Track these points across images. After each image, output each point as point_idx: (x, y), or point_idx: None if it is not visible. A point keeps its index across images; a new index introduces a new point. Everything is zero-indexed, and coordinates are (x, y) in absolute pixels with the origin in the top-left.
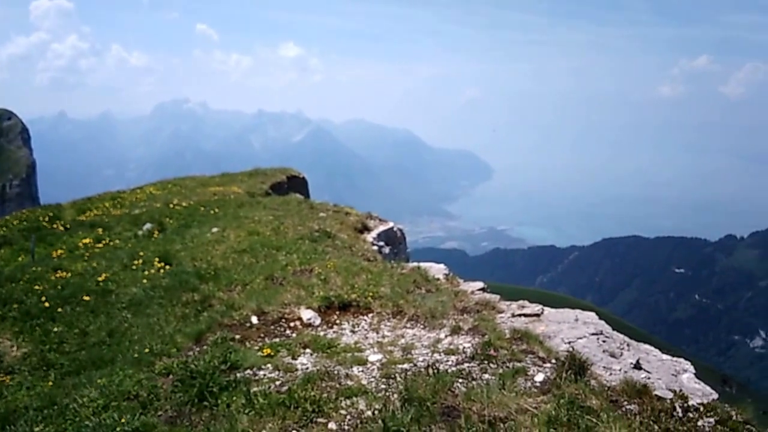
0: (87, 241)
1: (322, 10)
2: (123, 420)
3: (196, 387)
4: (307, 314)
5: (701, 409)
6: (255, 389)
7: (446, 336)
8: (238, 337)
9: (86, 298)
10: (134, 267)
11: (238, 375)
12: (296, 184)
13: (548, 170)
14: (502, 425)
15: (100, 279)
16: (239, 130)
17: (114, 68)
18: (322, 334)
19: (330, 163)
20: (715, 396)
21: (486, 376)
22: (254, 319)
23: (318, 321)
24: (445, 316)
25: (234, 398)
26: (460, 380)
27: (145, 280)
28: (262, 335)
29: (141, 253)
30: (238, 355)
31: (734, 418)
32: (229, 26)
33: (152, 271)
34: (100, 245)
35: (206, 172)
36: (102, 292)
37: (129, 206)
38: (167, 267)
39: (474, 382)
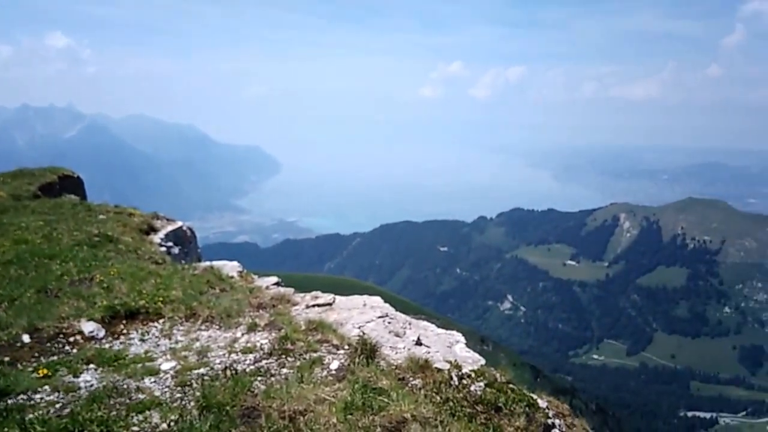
0: None
1: None
2: None
3: None
4: (88, 327)
5: (473, 375)
6: (31, 416)
7: (243, 334)
8: (7, 359)
9: None
10: None
11: (10, 402)
12: (70, 184)
13: (332, 163)
14: (302, 418)
15: None
16: None
17: None
18: (107, 346)
19: (109, 160)
20: (483, 362)
21: (284, 370)
22: (26, 338)
23: (102, 333)
24: (241, 314)
25: (6, 429)
26: (259, 378)
27: None
28: (36, 354)
29: None
30: (8, 380)
31: (499, 379)
32: None
33: None
34: None
35: None
36: None
37: None
38: None
39: (273, 379)
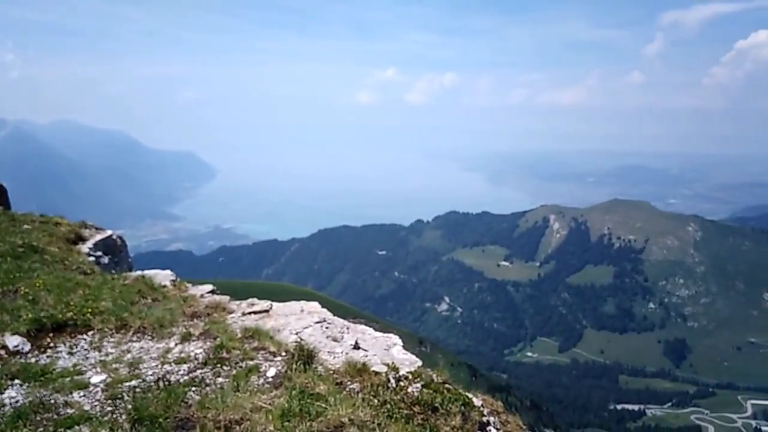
0: None
1: (17, 1)
2: None
3: None
4: (13, 341)
5: (410, 376)
6: None
7: (176, 344)
8: None
9: None
10: None
11: None
12: None
13: (269, 169)
14: (238, 427)
15: None
16: None
17: None
18: (33, 360)
19: (35, 168)
20: (420, 363)
21: (220, 380)
22: None
23: (27, 347)
24: (175, 324)
25: None
26: (194, 389)
27: None
28: None
29: None
30: None
31: (436, 380)
32: None
33: None
34: None
35: None
36: None
37: None
38: None
39: (208, 389)
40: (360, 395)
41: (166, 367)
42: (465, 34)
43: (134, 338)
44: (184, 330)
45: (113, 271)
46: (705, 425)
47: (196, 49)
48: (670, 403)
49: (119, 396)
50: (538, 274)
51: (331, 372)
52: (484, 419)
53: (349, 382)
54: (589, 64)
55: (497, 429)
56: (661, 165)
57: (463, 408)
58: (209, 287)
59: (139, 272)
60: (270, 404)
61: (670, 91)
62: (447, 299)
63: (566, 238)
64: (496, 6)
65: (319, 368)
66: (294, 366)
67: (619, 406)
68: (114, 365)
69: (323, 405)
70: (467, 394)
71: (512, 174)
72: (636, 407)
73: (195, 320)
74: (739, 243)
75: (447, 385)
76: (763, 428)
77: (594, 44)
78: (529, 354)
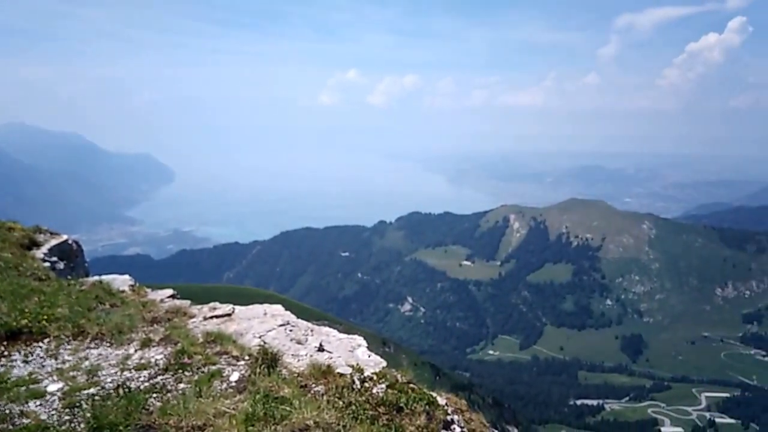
0: None
1: None
2: None
3: None
4: None
5: (374, 377)
6: None
7: (136, 351)
8: None
9: None
10: None
11: None
12: None
13: (228, 171)
14: None
15: None
16: None
17: None
18: None
19: None
20: (384, 364)
21: (181, 385)
22: None
23: None
24: (134, 330)
25: None
26: (155, 395)
27: None
28: None
29: None
30: None
31: (400, 380)
32: None
33: None
34: None
35: None
36: None
37: None
38: None
39: (169, 395)
40: (325, 397)
41: (126, 373)
42: (425, 36)
43: (92, 345)
44: (144, 336)
45: (69, 277)
46: (661, 418)
47: (152, 51)
48: (627, 398)
49: (77, 404)
50: (499, 273)
51: (296, 375)
52: (449, 418)
53: (313, 385)
54: (546, 66)
55: (461, 427)
56: (616, 165)
57: (427, 407)
58: (169, 292)
59: (96, 277)
60: (233, 409)
61: (625, 93)
62: (410, 299)
63: (526, 237)
64: (455, 9)
65: (284, 371)
66: (258, 370)
67: (578, 402)
68: (71, 373)
69: (288, 408)
70: (431, 393)
71: (473, 175)
72: (595, 402)
73: (155, 325)
74: (692, 240)
75: (411, 385)
76: (717, 420)
77: (551, 47)
78: (491, 352)
